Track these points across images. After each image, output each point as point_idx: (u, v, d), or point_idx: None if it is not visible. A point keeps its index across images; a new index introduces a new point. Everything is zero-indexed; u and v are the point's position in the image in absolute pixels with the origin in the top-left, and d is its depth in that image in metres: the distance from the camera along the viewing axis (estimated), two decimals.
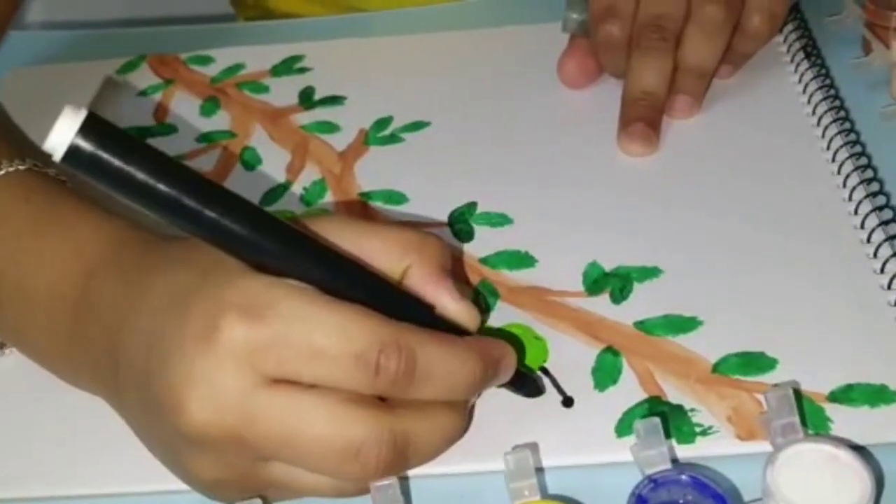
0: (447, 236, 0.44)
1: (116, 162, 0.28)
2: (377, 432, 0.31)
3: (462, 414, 0.34)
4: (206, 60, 0.57)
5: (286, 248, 0.31)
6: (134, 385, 0.33)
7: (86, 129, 0.28)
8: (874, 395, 0.34)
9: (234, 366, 0.30)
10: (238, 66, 0.56)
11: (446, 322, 0.34)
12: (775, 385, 0.35)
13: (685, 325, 0.38)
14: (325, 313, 0.30)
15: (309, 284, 0.31)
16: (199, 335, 0.30)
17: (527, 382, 0.36)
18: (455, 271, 0.42)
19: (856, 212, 0.42)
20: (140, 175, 0.28)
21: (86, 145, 0.28)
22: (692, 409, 0.35)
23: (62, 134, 0.27)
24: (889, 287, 0.38)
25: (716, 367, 0.36)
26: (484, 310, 0.40)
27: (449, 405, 0.33)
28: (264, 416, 0.30)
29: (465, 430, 0.34)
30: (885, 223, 0.40)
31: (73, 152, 0.28)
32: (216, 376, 0.30)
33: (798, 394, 0.35)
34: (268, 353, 0.30)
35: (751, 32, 0.48)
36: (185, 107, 0.54)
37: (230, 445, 0.31)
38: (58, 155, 0.28)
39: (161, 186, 0.29)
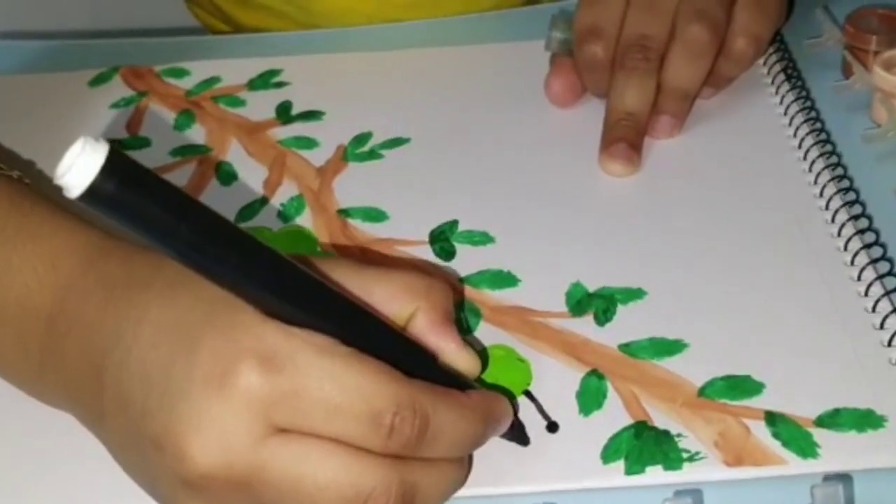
0: (428, 255, 0.43)
1: (139, 203, 0.26)
2: (386, 483, 0.30)
3: (465, 464, 0.34)
4: (181, 73, 0.56)
5: (307, 298, 0.30)
6: (124, 416, 0.31)
7: (109, 168, 0.25)
8: (861, 419, 0.34)
9: (247, 414, 0.29)
10: (214, 80, 0.55)
11: (447, 369, 0.34)
12: (825, 478, 0.33)
13: (670, 347, 0.38)
14: (343, 370, 0.30)
15: (325, 335, 0.30)
16: (212, 379, 0.29)
17: (517, 430, 0.35)
18: None
19: (839, 234, 0.42)
20: (163, 217, 0.27)
21: (108, 185, 0.25)
22: (679, 435, 0.34)
23: (81, 172, 0.25)
24: (873, 310, 0.38)
25: (702, 391, 0.36)
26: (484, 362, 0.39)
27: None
28: (273, 464, 0.29)
29: (466, 477, 0.34)
30: (867, 246, 0.40)
31: (93, 191, 0.25)
32: (227, 423, 0.29)
33: (786, 420, 0.34)
34: (283, 405, 0.29)
35: (735, 55, 0.48)
36: (158, 120, 0.53)
37: (233, 492, 0.30)
38: (73, 193, 0.25)
39: (184, 230, 0.27)
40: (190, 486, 0.30)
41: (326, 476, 0.30)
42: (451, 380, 0.33)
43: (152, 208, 0.26)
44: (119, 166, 0.25)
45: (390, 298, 0.34)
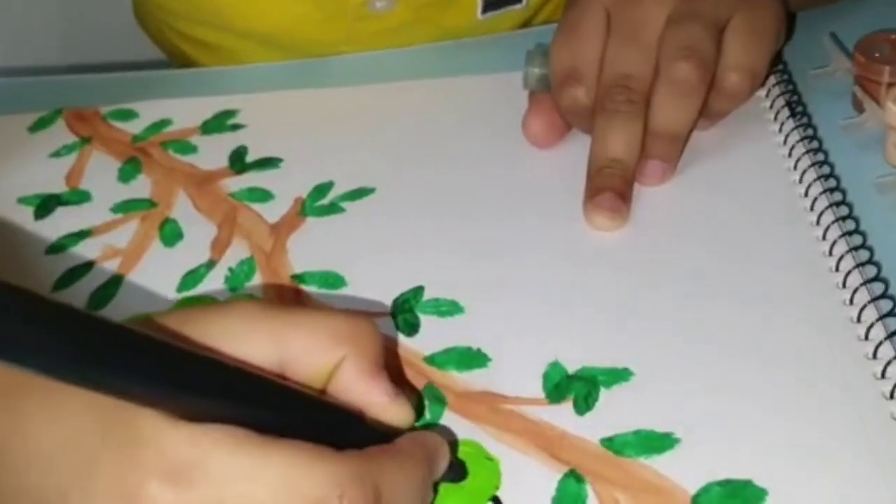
0: (390, 329, 0.38)
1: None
2: None
3: None
4: (129, 115, 0.51)
5: (204, 386, 0.26)
6: None
7: None
8: None
9: None
10: (164, 122, 0.51)
11: (377, 425, 0.30)
12: None
13: (660, 443, 0.33)
14: (263, 464, 0.25)
15: (235, 425, 0.26)
16: None
17: (452, 468, 0.32)
18: (398, 373, 0.37)
19: (851, 301, 0.37)
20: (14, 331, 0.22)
21: None
22: None
23: None
24: (892, 397, 0.33)
25: (696, 500, 0.31)
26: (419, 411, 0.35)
27: None
28: None
29: None
30: (883, 316, 0.36)
31: None
32: None
33: None
34: None
35: (728, 91, 0.43)
36: (101, 170, 0.48)
37: None
38: None
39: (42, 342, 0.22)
40: None
41: None
42: (380, 436, 0.29)
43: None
44: None
45: (312, 348, 0.29)
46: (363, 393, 0.30)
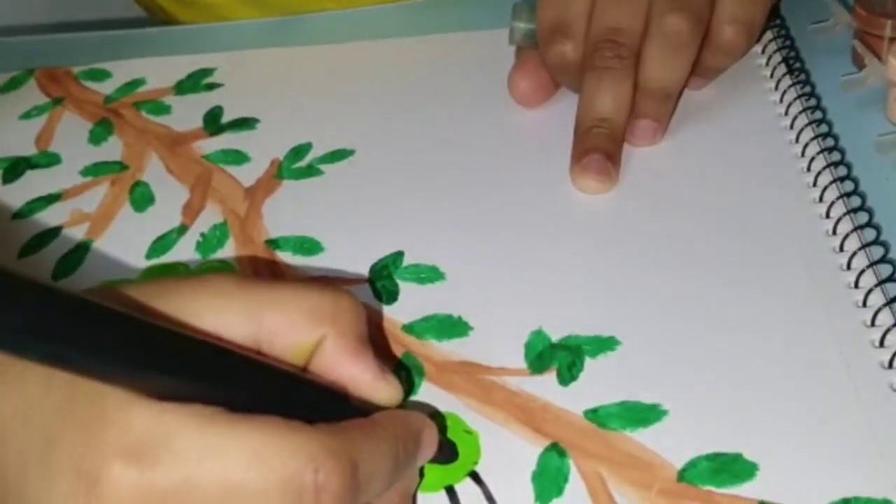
0: (367, 296, 0.37)
1: None
2: None
3: None
4: (102, 75, 0.50)
5: (169, 360, 0.24)
6: None
7: None
8: None
9: None
10: (137, 82, 0.49)
11: (364, 404, 0.28)
12: None
13: (646, 415, 0.31)
14: (233, 440, 0.24)
15: (204, 403, 0.24)
16: (75, 490, 0.24)
17: (443, 449, 0.30)
18: (376, 342, 0.35)
19: (848, 266, 0.35)
20: None
21: None
22: None
23: None
24: (890, 366, 0.32)
25: (682, 475, 0.30)
26: (409, 387, 0.33)
27: None
28: None
29: None
30: (882, 282, 0.34)
31: None
32: None
33: None
34: (171, 502, 0.24)
35: (723, 46, 0.41)
36: (72, 131, 0.46)
37: None
38: None
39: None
40: None
41: None
42: (364, 415, 0.27)
43: None
44: None
45: (288, 326, 0.27)
46: (348, 371, 0.28)
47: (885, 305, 0.33)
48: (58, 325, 0.22)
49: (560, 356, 0.34)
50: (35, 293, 0.22)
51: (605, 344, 0.34)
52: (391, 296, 0.37)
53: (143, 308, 0.26)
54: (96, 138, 0.46)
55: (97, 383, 0.24)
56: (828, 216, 0.37)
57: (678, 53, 0.40)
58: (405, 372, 0.34)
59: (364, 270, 0.38)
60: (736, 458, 0.30)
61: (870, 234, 0.36)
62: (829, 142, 0.40)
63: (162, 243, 0.40)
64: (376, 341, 0.35)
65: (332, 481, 0.24)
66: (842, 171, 0.38)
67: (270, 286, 0.28)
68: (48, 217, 0.42)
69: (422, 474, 0.30)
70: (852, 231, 0.36)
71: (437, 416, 0.32)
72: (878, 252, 0.35)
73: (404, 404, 0.31)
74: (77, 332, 0.22)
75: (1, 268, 0.21)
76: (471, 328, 0.35)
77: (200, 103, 0.47)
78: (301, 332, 0.28)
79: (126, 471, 0.23)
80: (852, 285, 0.34)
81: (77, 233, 0.41)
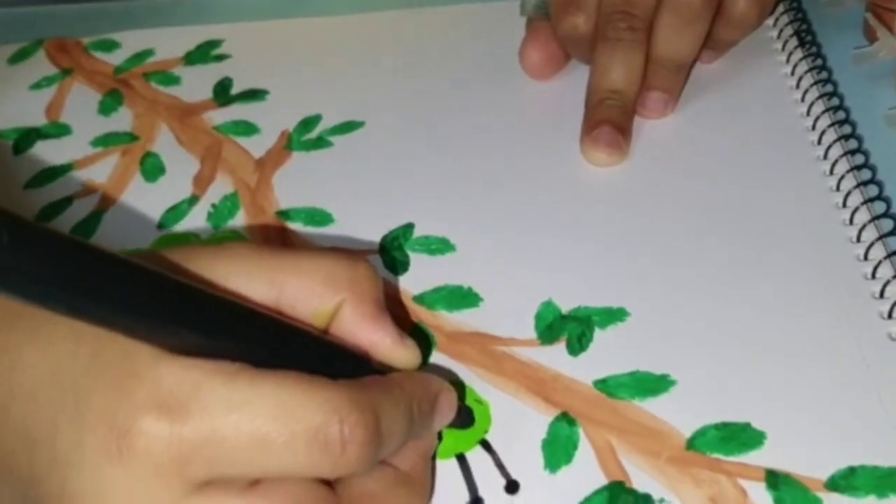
0: (378, 267, 0.37)
1: None
2: None
3: (420, 486, 0.29)
4: (111, 46, 0.49)
5: (197, 318, 0.24)
6: (10, 482, 0.26)
7: None
8: (882, 481, 0.28)
9: (156, 478, 0.24)
10: (146, 53, 0.49)
11: (384, 369, 0.29)
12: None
13: (655, 385, 0.32)
14: (259, 393, 0.24)
15: (230, 360, 0.25)
16: (108, 445, 0.24)
17: (460, 414, 0.30)
18: (392, 312, 0.36)
19: (858, 239, 0.35)
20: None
21: None
22: (661, 500, 0.29)
23: None
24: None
25: (691, 443, 0.30)
26: (426, 354, 0.34)
27: (404, 480, 0.28)
28: None
29: (429, 497, 0.29)
30: (892, 255, 0.34)
31: None
32: (135, 492, 0.24)
33: (791, 482, 0.29)
34: (198, 456, 0.24)
35: (735, 19, 0.41)
36: (82, 102, 0.46)
37: None
38: None
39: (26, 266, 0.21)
40: None
41: None
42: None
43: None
44: None
45: (307, 293, 0.28)
46: (368, 337, 0.28)
47: (894, 277, 0.33)
48: (90, 277, 0.22)
49: (570, 327, 0.34)
50: (67, 245, 0.22)
51: (614, 315, 0.34)
52: (402, 267, 0.37)
53: (178, 269, 0.26)
54: (106, 109, 0.46)
55: (125, 341, 0.24)
56: (838, 189, 0.37)
57: (691, 26, 0.40)
58: (422, 339, 0.34)
59: (375, 241, 0.38)
60: (744, 428, 0.30)
61: (880, 207, 0.36)
62: (841, 115, 0.40)
63: (173, 213, 0.40)
64: (394, 313, 0.35)
65: (357, 433, 0.25)
66: (853, 143, 0.38)
67: (289, 253, 0.29)
68: (60, 187, 0.42)
69: (440, 438, 0.31)
70: (862, 204, 0.36)
71: (453, 384, 0.32)
72: (887, 225, 0.35)
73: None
74: (109, 285, 0.22)
75: (33, 222, 0.22)
76: (481, 299, 0.35)
77: (210, 74, 0.47)
78: (320, 297, 0.28)
79: (157, 424, 0.24)
80: (861, 258, 0.34)
81: (89, 203, 0.41)
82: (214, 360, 0.25)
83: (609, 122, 0.40)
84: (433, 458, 0.30)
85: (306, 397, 0.25)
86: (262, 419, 0.24)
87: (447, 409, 0.29)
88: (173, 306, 0.24)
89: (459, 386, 0.32)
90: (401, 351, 0.29)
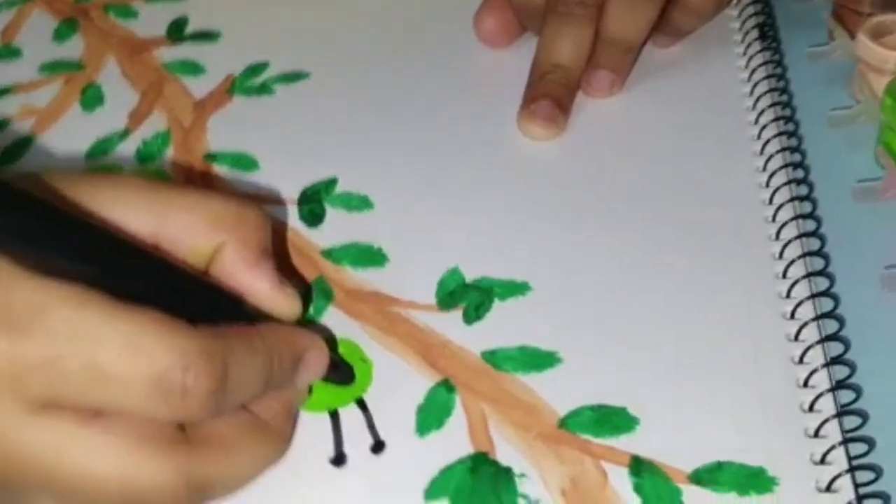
0: (293, 218, 0.37)
1: None
2: (171, 483, 0.25)
3: (277, 435, 0.28)
4: None
5: (49, 236, 0.24)
6: None
7: None
8: (747, 480, 0.28)
9: None
10: None
11: (259, 315, 0.28)
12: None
13: (541, 361, 0.31)
14: (108, 326, 0.24)
15: (89, 285, 0.24)
16: None
17: (339, 370, 0.30)
18: (293, 263, 0.35)
19: (777, 236, 0.34)
20: None
21: None
22: (522, 475, 0.28)
23: None
24: (796, 338, 0.31)
25: (564, 422, 0.30)
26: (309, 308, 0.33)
27: (259, 427, 0.27)
28: (28, 449, 0.24)
29: (285, 447, 0.28)
30: (806, 255, 0.33)
31: None
32: None
33: (654, 471, 0.28)
34: (36, 376, 0.24)
35: (692, 6, 0.40)
36: (39, 28, 0.46)
37: None
38: None
39: None
40: None
41: (90, 471, 0.24)
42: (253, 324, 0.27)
43: None
44: None
45: (190, 230, 0.28)
46: (246, 280, 0.28)
47: (803, 277, 0.32)
48: None
49: (470, 295, 0.33)
50: None
51: (516, 288, 0.34)
52: (317, 220, 0.37)
53: (53, 192, 0.26)
54: (60, 36, 0.46)
55: None
56: (768, 185, 0.36)
57: (642, 6, 0.39)
58: (320, 293, 0.34)
59: (295, 193, 0.38)
60: (619, 412, 0.30)
61: (805, 207, 0.35)
62: (787, 111, 0.39)
63: (103, 145, 0.40)
64: (293, 263, 0.35)
65: (200, 382, 0.24)
66: (792, 142, 0.38)
67: (179, 189, 0.28)
68: None
69: (310, 391, 0.30)
70: (787, 202, 0.35)
71: (332, 342, 0.32)
72: (810, 225, 0.35)
73: (307, 327, 0.31)
74: None
75: None
76: (388, 259, 0.35)
77: (167, 12, 0.47)
78: (202, 236, 0.28)
79: None
80: (777, 256, 0.34)
81: (23, 127, 0.41)
82: (72, 284, 0.24)
83: (549, 96, 0.39)
84: (298, 410, 0.30)
85: (156, 339, 0.24)
86: (106, 355, 0.24)
87: (315, 366, 0.29)
88: (37, 226, 0.24)
89: (339, 343, 0.32)
90: (280, 298, 0.28)
